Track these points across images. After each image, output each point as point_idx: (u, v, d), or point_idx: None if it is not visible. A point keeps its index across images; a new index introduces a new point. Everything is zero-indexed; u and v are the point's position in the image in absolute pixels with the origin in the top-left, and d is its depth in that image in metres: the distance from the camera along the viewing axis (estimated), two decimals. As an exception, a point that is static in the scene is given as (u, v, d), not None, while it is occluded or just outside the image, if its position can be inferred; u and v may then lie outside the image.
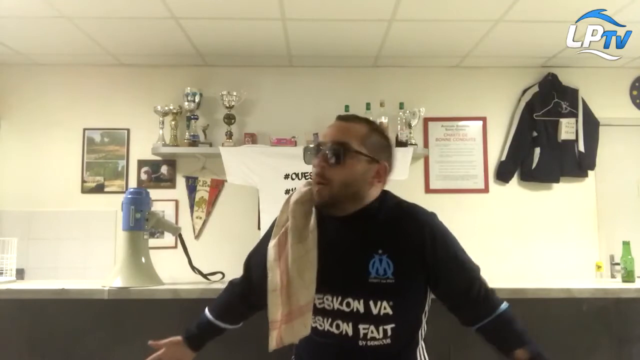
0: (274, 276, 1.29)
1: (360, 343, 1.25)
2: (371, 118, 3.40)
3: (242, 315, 1.52)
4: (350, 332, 1.25)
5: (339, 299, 1.26)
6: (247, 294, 1.46)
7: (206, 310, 1.51)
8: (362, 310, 1.24)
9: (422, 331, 1.36)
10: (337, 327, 1.26)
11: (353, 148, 1.25)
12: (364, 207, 1.28)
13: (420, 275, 1.27)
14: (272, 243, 1.33)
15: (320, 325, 1.29)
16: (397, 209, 1.31)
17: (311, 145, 1.34)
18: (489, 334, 1.32)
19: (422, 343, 1.36)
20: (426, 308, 1.34)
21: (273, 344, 1.26)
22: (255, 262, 1.42)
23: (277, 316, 1.26)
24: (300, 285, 1.24)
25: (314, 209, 1.31)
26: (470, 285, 1.31)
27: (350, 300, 1.25)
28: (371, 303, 1.24)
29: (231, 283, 1.56)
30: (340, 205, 1.27)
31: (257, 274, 1.36)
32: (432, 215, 1.32)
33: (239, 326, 1.53)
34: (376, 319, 1.24)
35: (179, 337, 1.48)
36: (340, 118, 1.34)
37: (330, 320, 1.27)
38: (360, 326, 1.25)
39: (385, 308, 1.24)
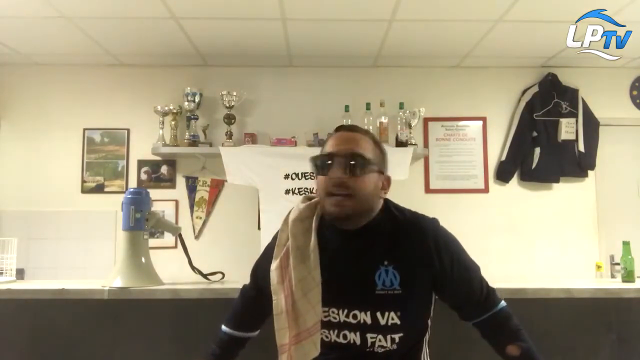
0: (279, 300, 1.28)
1: (368, 350, 1.26)
2: (371, 118, 3.46)
3: (260, 318, 1.50)
4: (358, 341, 1.26)
5: (345, 311, 1.25)
6: (261, 296, 1.42)
7: (222, 326, 1.50)
8: (369, 321, 1.24)
9: (427, 335, 1.36)
10: (345, 337, 1.27)
11: (370, 160, 1.25)
12: (372, 219, 1.28)
13: (426, 283, 1.28)
14: (274, 265, 1.31)
15: (327, 337, 1.28)
16: (401, 219, 1.30)
17: (324, 158, 1.27)
18: (486, 329, 1.35)
19: (426, 348, 1.36)
20: (432, 313, 1.35)
21: None
22: (262, 274, 1.40)
23: (285, 339, 1.26)
24: (306, 307, 1.24)
25: (313, 225, 1.29)
26: (474, 288, 1.33)
27: (356, 312, 1.25)
28: (378, 314, 1.24)
29: (243, 289, 1.56)
30: (356, 219, 1.26)
31: (266, 284, 1.34)
32: (435, 222, 1.32)
33: (257, 333, 1.52)
34: (384, 328, 1.24)
35: None
36: (346, 129, 1.32)
37: (336, 331, 1.27)
38: (368, 335, 1.25)
39: (393, 318, 1.24)
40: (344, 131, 1.31)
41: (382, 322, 1.23)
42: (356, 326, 1.25)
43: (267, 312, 1.36)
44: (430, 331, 1.40)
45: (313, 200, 1.35)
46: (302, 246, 1.27)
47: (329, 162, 1.25)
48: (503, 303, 1.35)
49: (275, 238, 1.38)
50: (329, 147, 1.28)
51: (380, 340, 1.25)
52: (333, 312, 1.26)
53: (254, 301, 1.48)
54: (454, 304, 1.36)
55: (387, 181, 1.31)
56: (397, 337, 1.25)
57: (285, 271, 1.29)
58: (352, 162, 1.23)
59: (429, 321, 1.35)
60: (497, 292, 1.37)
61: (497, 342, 1.33)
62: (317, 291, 1.23)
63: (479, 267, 1.35)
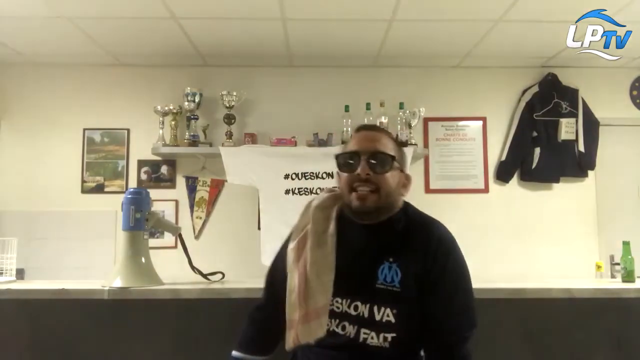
0: (292, 278, 1.32)
1: (360, 343, 1.27)
2: (371, 118, 3.46)
3: (274, 339, 1.45)
4: (352, 334, 1.28)
5: (348, 301, 1.29)
6: (276, 312, 1.37)
7: (233, 352, 1.45)
8: (367, 314, 1.27)
9: (422, 352, 1.34)
10: (343, 328, 1.29)
11: (393, 157, 1.31)
12: (390, 216, 1.33)
13: (418, 281, 1.27)
14: (291, 246, 1.36)
15: (328, 325, 1.30)
16: (413, 220, 1.34)
17: (347, 155, 1.33)
18: None
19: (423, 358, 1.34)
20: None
21: (290, 343, 1.30)
22: (278, 278, 1.40)
23: (295, 316, 1.29)
24: (318, 288, 1.27)
25: (334, 215, 1.34)
26: (453, 313, 1.27)
27: (358, 303, 1.28)
28: (375, 308, 1.26)
29: (253, 312, 1.51)
30: (378, 213, 1.31)
31: (282, 288, 1.35)
32: (445, 229, 1.33)
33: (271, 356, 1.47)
34: (378, 325, 1.26)
35: None
36: (368, 128, 1.40)
37: (337, 321, 1.30)
38: (362, 330, 1.27)
39: (388, 315, 1.26)
40: (366, 130, 1.38)
41: (378, 317, 1.26)
42: (355, 319, 1.28)
43: (281, 330, 1.34)
44: None
45: (336, 192, 1.40)
46: (321, 231, 1.32)
47: (353, 159, 1.31)
48: None
49: (285, 244, 1.41)
50: (352, 146, 1.34)
51: (372, 338, 1.27)
52: (337, 302, 1.30)
53: (266, 322, 1.45)
54: (428, 310, 1.27)
55: (408, 179, 1.38)
56: (389, 336, 1.26)
57: (302, 252, 1.33)
58: (376, 160, 1.29)
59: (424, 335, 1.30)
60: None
61: None
62: (330, 275, 1.27)
63: (471, 297, 1.30)
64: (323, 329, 1.26)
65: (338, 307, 1.29)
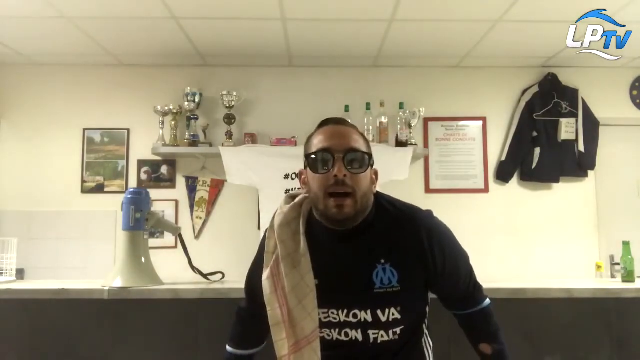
0: (274, 310, 1.23)
1: (371, 345, 1.26)
2: (371, 118, 3.46)
3: (263, 333, 1.39)
4: (360, 338, 1.26)
5: (345, 311, 1.24)
6: (260, 311, 1.32)
7: (227, 347, 1.46)
8: (370, 319, 1.24)
9: (427, 321, 1.38)
10: (346, 335, 1.26)
11: (367, 154, 1.21)
12: (365, 217, 1.23)
13: (421, 276, 1.27)
14: (265, 275, 1.27)
15: (328, 336, 1.27)
16: (393, 214, 1.26)
17: (320, 154, 1.20)
18: (465, 322, 1.38)
19: (426, 331, 1.38)
20: (429, 300, 1.36)
21: None
22: (257, 285, 1.31)
23: (285, 350, 1.22)
24: (303, 314, 1.21)
25: (301, 229, 1.25)
26: (461, 282, 1.33)
27: (356, 311, 1.24)
28: (379, 312, 1.23)
29: (239, 312, 1.50)
30: (355, 220, 1.21)
31: (262, 296, 1.29)
32: (429, 216, 1.30)
33: (264, 345, 1.46)
34: (385, 324, 1.24)
35: None
36: (336, 122, 1.26)
37: (338, 330, 1.27)
38: (370, 332, 1.25)
39: (393, 314, 1.24)
40: (335, 125, 1.25)
41: (384, 318, 1.23)
42: (357, 324, 1.24)
43: (269, 325, 1.32)
44: (431, 331, 1.41)
45: (297, 200, 1.30)
46: (292, 252, 1.23)
47: (327, 159, 1.18)
48: (487, 301, 1.37)
49: (262, 245, 1.33)
50: (321, 143, 1.21)
51: (382, 336, 1.25)
52: (333, 313, 1.25)
53: (253, 319, 1.42)
54: (441, 294, 1.37)
55: (376, 175, 1.28)
56: (398, 329, 1.26)
57: (278, 280, 1.24)
58: (352, 159, 1.18)
59: (427, 308, 1.37)
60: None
61: (473, 336, 1.36)
62: (312, 297, 1.21)
63: (468, 259, 1.36)
64: (317, 355, 1.20)
65: (335, 318, 1.25)
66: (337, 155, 1.17)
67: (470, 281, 1.35)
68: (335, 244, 1.25)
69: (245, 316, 1.47)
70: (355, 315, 1.24)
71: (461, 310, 1.37)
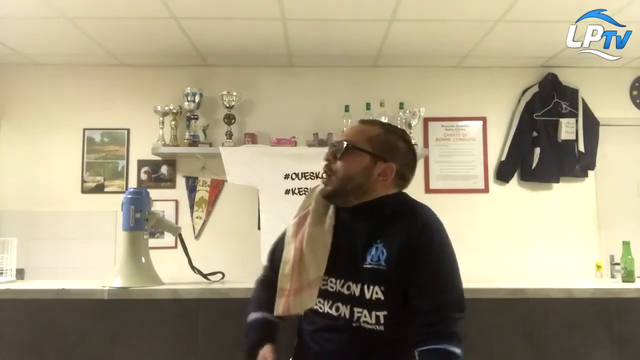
0: (289, 251, 1.40)
1: (354, 325, 1.30)
2: (371, 118, 3.45)
3: None
4: (347, 315, 1.32)
5: (342, 281, 1.33)
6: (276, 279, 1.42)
7: (252, 314, 1.46)
8: (357, 293, 1.31)
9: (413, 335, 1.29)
10: (337, 309, 1.33)
11: (356, 145, 1.36)
12: (371, 200, 1.36)
13: (404, 259, 1.27)
14: (292, 221, 1.45)
15: (321, 308, 1.36)
16: (402, 204, 1.38)
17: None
18: None
19: (416, 353, 1.28)
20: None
21: (280, 310, 1.36)
22: (279, 256, 1.44)
23: (287, 285, 1.36)
24: (312, 262, 1.33)
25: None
26: (437, 289, 1.27)
27: (350, 283, 1.32)
28: (365, 287, 1.30)
29: (259, 280, 1.56)
30: (342, 197, 1.38)
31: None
32: (431, 213, 1.36)
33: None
34: (369, 303, 1.29)
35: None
36: (359, 121, 1.48)
37: (330, 302, 1.34)
38: (355, 309, 1.31)
39: (377, 293, 1.29)
40: (359, 123, 1.48)
41: (367, 295, 1.29)
42: (347, 298, 1.32)
43: None
44: None
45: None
46: (322, 211, 1.41)
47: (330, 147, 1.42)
48: (455, 350, 1.21)
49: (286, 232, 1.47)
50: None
51: (365, 316, 1.30)
52: (331, 282, 1.35)
53: (271, 288, 1.43)
54: (411, 294, 1.28)
55: (390, 169, 1.37)
56: (381, 315, 1.29)
57: (301, 227, 1.41)
58: (335, 148, 1.39)
59: (413, 316, 1.28)
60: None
61: None
62: (324, 250, 1.33)
63: (455, 272, 1.30)
64: (313, 300, 1.32)
65: (332, 287, 1.34)
66: (330, 144, 1.46)
67: (447, 297, 1.26)
68: (348, 220, 1.38)
69: (270, 281, 1.46)
70: (348, 287, 1.32)
71: (419, 337, 1.25)
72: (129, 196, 2.09)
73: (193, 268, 2.19)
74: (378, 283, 1.29)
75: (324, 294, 1.35)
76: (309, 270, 1.33)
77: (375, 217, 1.35)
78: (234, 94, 3.39)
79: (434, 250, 1.30)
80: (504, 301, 1.96)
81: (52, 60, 3.51)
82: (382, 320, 1.29)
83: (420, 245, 1.28)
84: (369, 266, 1.30)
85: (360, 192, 1.36)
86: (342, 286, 1.33)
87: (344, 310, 1.32)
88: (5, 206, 3.48)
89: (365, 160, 1.36)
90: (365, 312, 1.30)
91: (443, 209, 1.48)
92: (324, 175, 1.41)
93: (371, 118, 1.53)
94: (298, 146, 3.36)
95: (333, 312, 1.33)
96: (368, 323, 1.30)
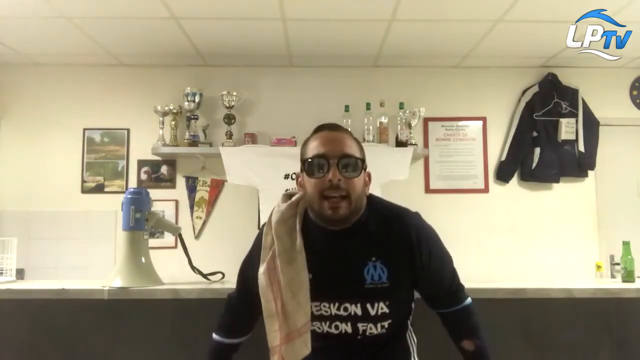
0: (269, 303, 1.30)
1: (359, 337, 1.32)
2: (371, 118, 3.47)
3: (251, 322, 1.50)
4: (350, 330, 1.31)
5: (336, 304, 1.30)
6: (251, 300, 1.39)
7: (213, 335, 1.51)
8: (360, 312, 1.30)
9: (411, 317, 1.45)
10: (336, 327, 1.32)
11: (360, 159, 1.29)
12: (359, 218, 1.30)
13: (409, 273, 1.33)
14: (261, 269, 1.32)
15: (319, 328, 1.34)
16: (386, 214, 1.34)
17: (315, 159, 1.27)
18: (448, 320, 1.43)
19: (410, 327, 1.44)
20: (414, 297, 1.42)
21: None
22: (251, 275, 1.38)
23: (277, 341, 1.29)
24: (296, 308, 1.27)
25: (297, 226, 1.31)
26: (445, 281, 1.40)
27: (347, 305, 1.30)
28: (368, 306, 1.29)
29: (229, 300, 1.55)
30: (349, 219, 1.28)
31: (255, 286, 1.34)
32: (417, 217, 1.38)
33: (250, 335, 1.53)
34: (374, 318, 1.30)
35: None
36: (330, 128, 1.33)
37: (328, 323, 1.32)
38: (359, 325, 1.31)
39: (382, 308, 1.30)
40: (329, 131, 1.32)
41: (372, 312, 1.29)
42: (347, 317, 1.30)
43: (257, 313, 1.36)
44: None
45: (294, 199, 1.36)
46: (289, 248, 1.29)
47: (322, 164, 1.25)
48: (469, 300, 1.43)
49: (258, 239, 1.39)
50: (317, 148, 1.28)
51: (371, 328, 1.31)
52: (324, 306, 1.31)
53: (244, 308, 1.47)
54: (426, 292, 1.43)
55: (369, 177, 1.35)
56: (386, 323, 1.32)
57: (273, 274, 1.29)
58: (346, 164, 1.25)
59: (413, 304, 1.43)
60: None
61: (455, 334, 1.42)
62: (305, 292, 1.27)
63: (452, 260, 1.42)
64: (308, 347, 1.27)
65: (326, 311, 1.31)
66: (332, 160, 1.25)
67: (454, 281, 1.42)
68: (330, 241, 1.31)
69: (236, 305, 1.51)
70: (345, 309, 1.29)
71: (444, 308, 1.42)
72: (129, 196, 2.09)
73: (193, 268, 2.19)
74: (382, 299, 1.29)
75: (319, 318, 1.32)
76: (295, 317, 1.27)
77: (361, 234, 1.30)
78: (234, 94, 3.39)
79: (435, 254, 1.35)
80: (504, 301, 1.96)
81: (52, 60, 3.51)
82: (386, 327, 1.32)
83: (422, 254, 1.31)
84: (370, 286, 1.28)
85: (360, 210, 1.30)
86: (338, 309, 1.30)
87: (344, 327, 1.31)
88: (5, 206, 3.48)
89: (362, 174, 1.30)
90: (371, 324, 1.31)
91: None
92: (333, 199, 1.24)
93: (332, 122, 1.37)
94: (298, 146, 3.35)
95: (333, 330, 1.32)
96: (373, 333, 1.32)
